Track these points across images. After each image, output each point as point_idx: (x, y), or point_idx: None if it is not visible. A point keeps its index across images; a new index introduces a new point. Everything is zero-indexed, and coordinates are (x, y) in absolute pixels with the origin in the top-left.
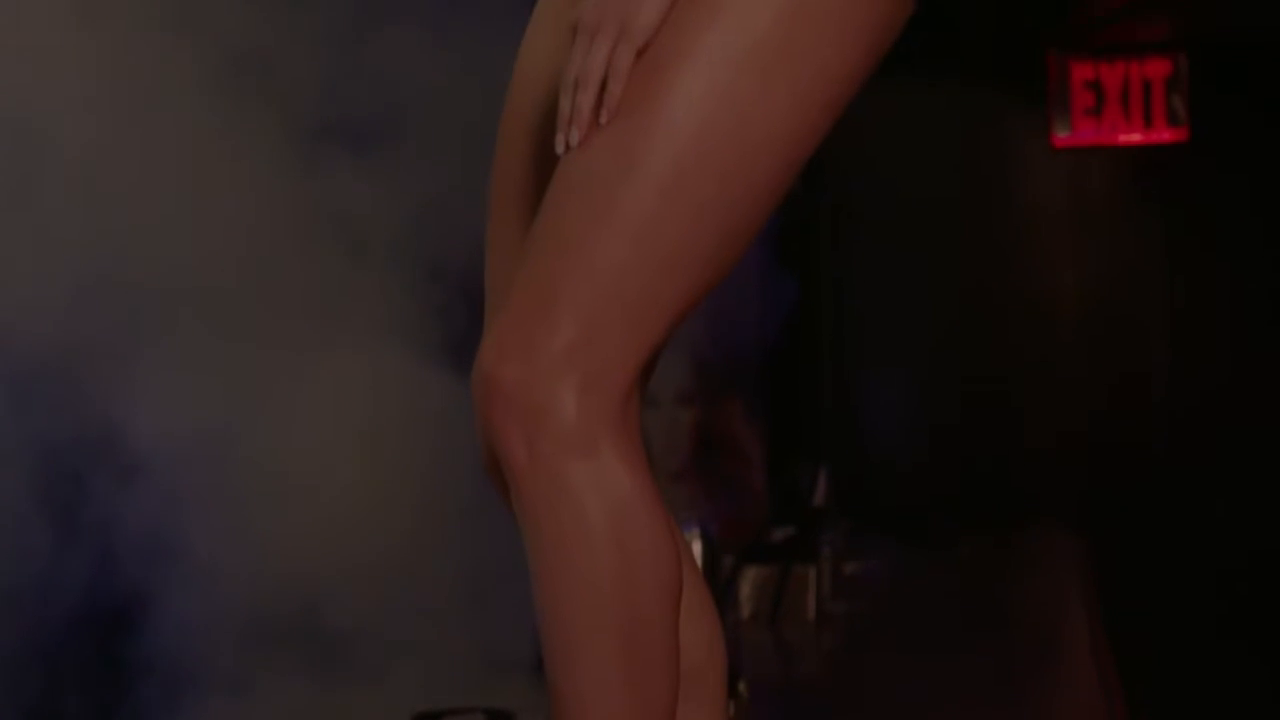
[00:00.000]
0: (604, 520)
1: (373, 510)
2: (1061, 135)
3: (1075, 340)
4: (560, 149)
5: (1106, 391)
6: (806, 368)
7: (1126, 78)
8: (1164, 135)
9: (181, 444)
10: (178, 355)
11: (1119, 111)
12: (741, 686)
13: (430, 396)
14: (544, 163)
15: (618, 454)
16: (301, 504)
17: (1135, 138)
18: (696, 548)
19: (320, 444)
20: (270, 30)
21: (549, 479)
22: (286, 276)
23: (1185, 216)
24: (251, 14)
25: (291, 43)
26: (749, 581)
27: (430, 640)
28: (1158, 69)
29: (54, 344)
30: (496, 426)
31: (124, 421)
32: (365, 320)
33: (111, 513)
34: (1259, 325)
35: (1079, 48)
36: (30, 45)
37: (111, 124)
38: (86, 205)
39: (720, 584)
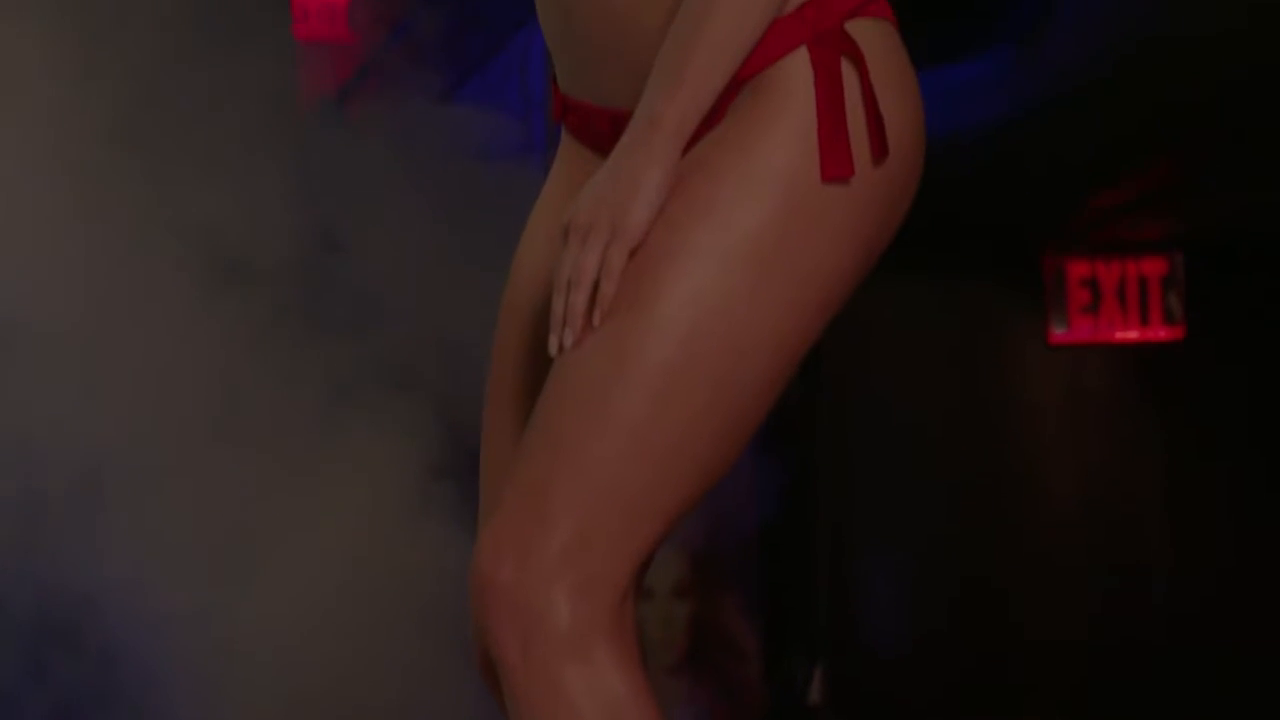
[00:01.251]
0: None
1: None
2: (1058, 332)
3: (1074, 537)
4: (554, 350)
5: (1105, 588)
6: (801, 560)
7: (1123, 276)
8: (1160, 333)
9: (155, 622)
10: (148, 530)
11: (1116, 309)
12: None
13: (409, 568)
14: (540, 360)
15: (612, 657)
16: (278, 678)
17: (1132, 335)
18: None
19: (298, 614)
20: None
21: (543, 682)
22: (259, 443)
23: (1183, 414)
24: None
25: (272, 237)
26: None
27: None
28: (1154, 267)
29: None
30: (491, 627)
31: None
32: (343, 491)
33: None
34: (1259, 523)
35: (1076, 246)
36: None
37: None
38: (80, 387)
39: None
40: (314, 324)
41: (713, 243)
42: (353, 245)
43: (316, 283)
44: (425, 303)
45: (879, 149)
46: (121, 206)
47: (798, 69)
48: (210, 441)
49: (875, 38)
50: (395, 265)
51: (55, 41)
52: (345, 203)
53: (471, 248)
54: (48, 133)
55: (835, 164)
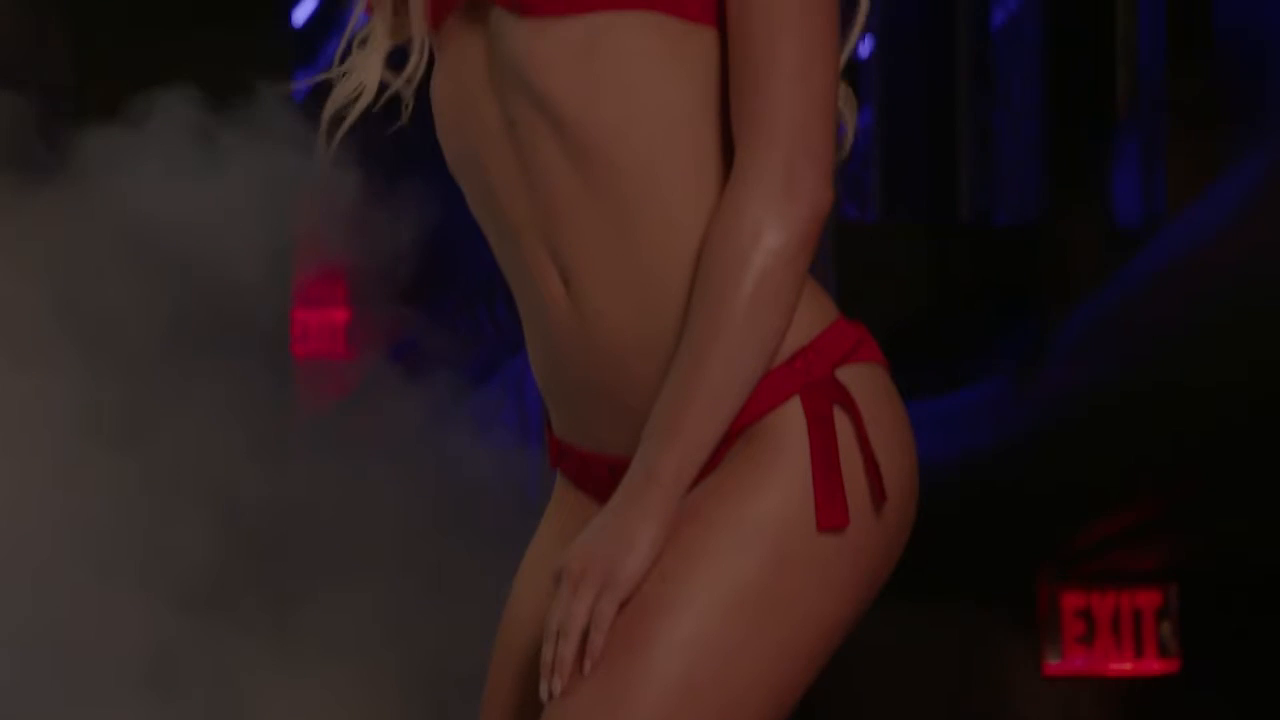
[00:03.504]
0: None
1: None
2: (1052, 663)
3: None
4: (544, 697)
5: None
6: None
7: (1117, 607)
8: (1154, 666)
9: None
10: None
11: (1110, 640)
12: None
13: None
14: (531, 703)
15: None
16: None
17: (1126, 667)
18: None
19: None
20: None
21: None
22: None
23: None
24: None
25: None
26: None
27: None
28: (1149, 599)
29: None
30: None
31: None
32: None
33: None
34: None
35: (1071, 575)
36: None
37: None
38: None
39: None
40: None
41: (706, 593)
42: (350, 571)
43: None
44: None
45: (874, 497)
46: (118, 515)
47: (791, 419)
48: None
49: (867, 384)
50: (390, 590)
51: (57, 348)
52: (339, 518)
53: (467, 572)
54: (53, 446)
55: (831, 514)
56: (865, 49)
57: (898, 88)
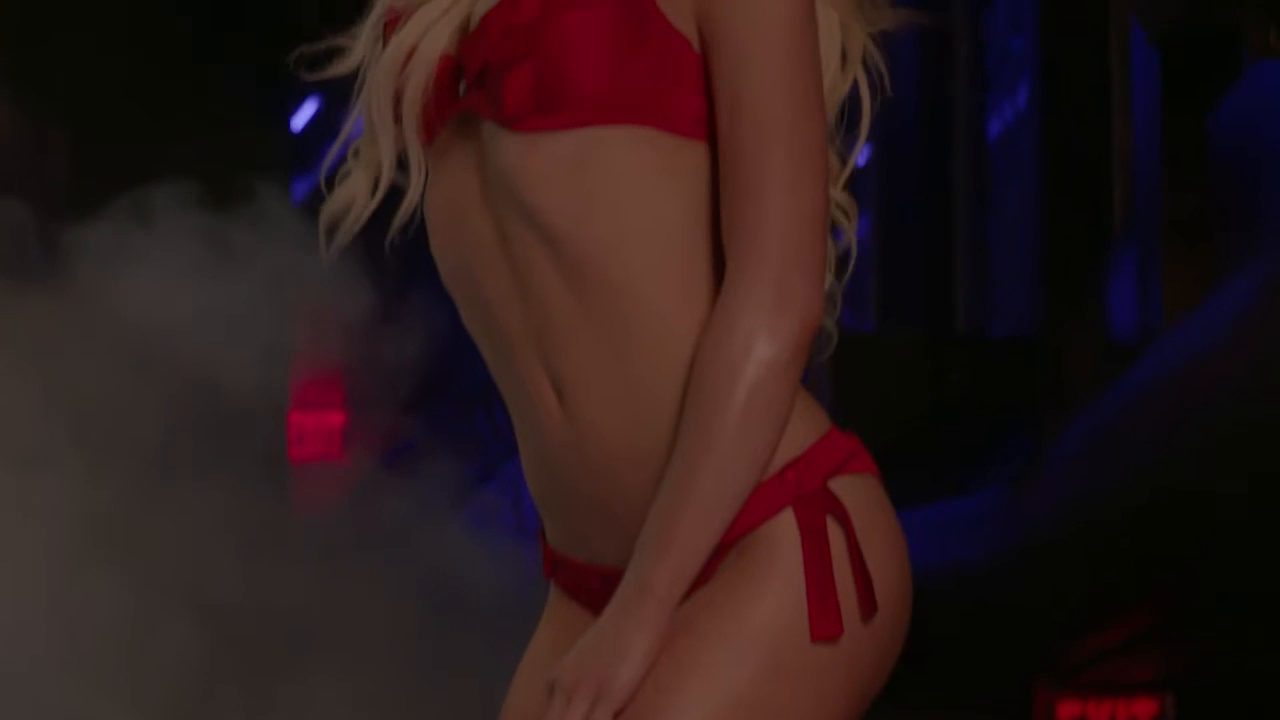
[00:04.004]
0: None
1: None
2: None
3: None
4: None
5: None
6: None
7: (1113, 716)
8: None
9: None
10: None
11: None
12: None
13: None
14: None
15: None
16: None
17: None
18: None
19: None
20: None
21: None
22: None
23: None
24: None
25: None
26: None
27: None
28: (1145, 708)
29: None
30: None
31: None
32: None
33: None
34: None
35: (1067, 684)
36: None
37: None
38: None
39: None
40: None
41: (701, 704)
42: (346, 674)
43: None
44: None
45: (868, 607)
46: (111, 619)
47: (784, 530)
48: None
49: (860, 495)
50: (386, 692)
51: (52, 450)
52: (335, 621)
53: (463, 675)
54: (47, 548)
55: (825, 625)
56: (863, 157)
57: (895, 196)
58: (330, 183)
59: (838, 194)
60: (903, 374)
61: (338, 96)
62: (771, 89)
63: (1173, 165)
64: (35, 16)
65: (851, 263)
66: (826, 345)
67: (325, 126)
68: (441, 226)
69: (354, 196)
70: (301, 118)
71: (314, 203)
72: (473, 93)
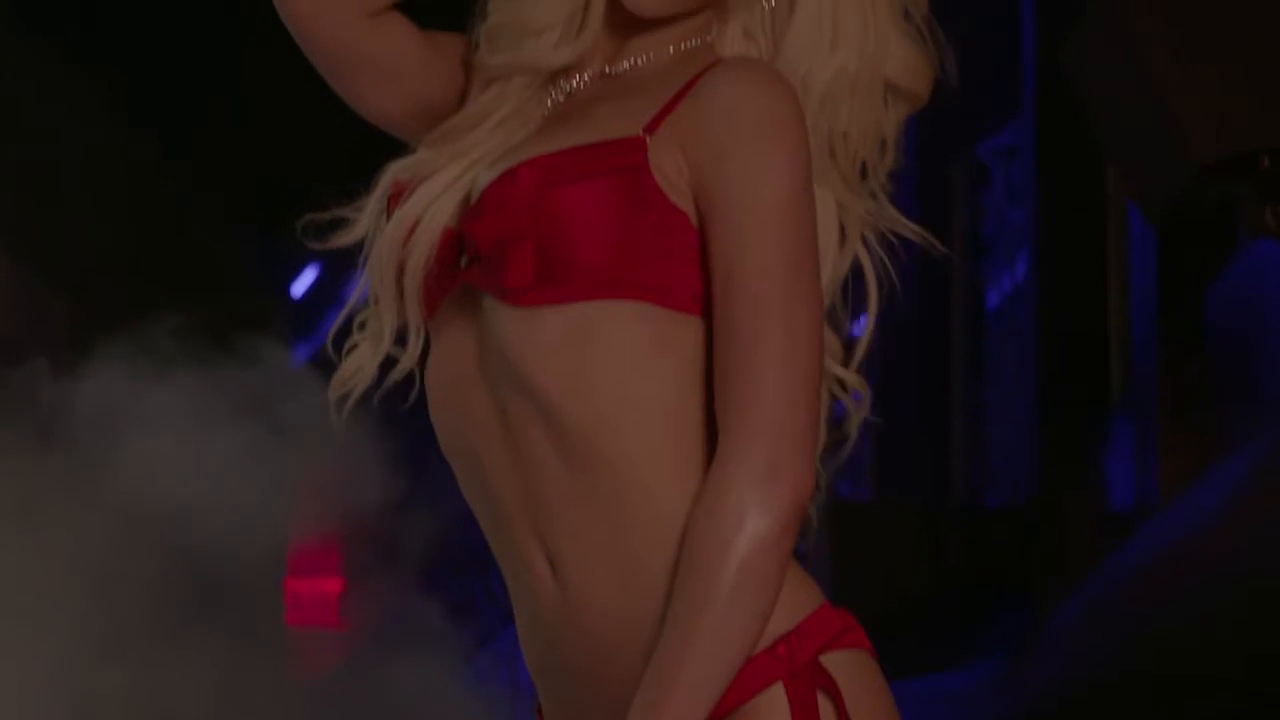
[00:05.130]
0: None
1: None
2: None
3: None
4: None
5: None
6: None
7: None
8: None
9: None
10: None
11: None
12: None
13: None
14: None
15: None
16: None
17: None
18: None
19: None
20: None
21: None
22: None
23: None
24: None
25: None
26: None
27: None
28: None
29: None
30: None
31: None
32: None
33: None
34: None
35: None
36: None
37: None
38: None
39: None
40: None
41: None
42: None
43: None
44: None
45: None
46: None
47: (775, 705)
48: None
49: (853, 670)
50: None
51: (44, 614)
52: None
53: None
54: (45, 650)
55: None
56: (859, 327)
57: (891, 365)
58: (338, 351)
59: (848, 374)
60: (900, 543)
61: (338, 264)
62: (767, 264)
63: (1170, 339)
64: (34, 182)
65: (850, 441)
66: (809, 531)
67: (325, 293)
68: (441, 397)
69: (360, 367)
70: (302, 284)
71: (313, 368)
72: (473, 266)
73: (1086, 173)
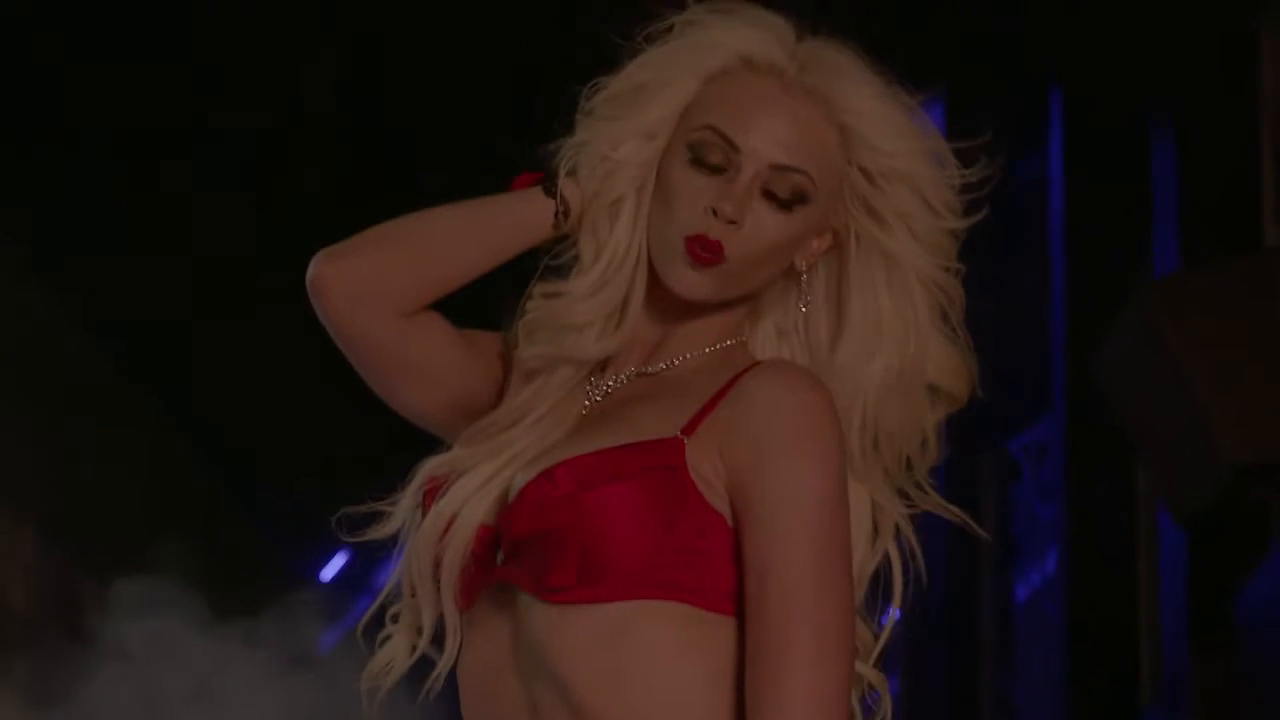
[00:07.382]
0: None
1: None
2: None
3: None
4: None
5: None
6: None
7: None
8: None
9: None
10: None
11: None
12: None
13: None
14: None
15: None
16: None
17: None
18: None
19: None
20: None
21: None
22: None
23: None
24: None
25: None
26: None
27: None
28: None
29: None
30: None
31: None
32: None
33: None
34: None
35: None
36: None
37: None
38: None
39: None
40: None
41: None
42: None
43: None
44: None
45: None
46: None
47: None
48: None
49: None
50: None
51: None
52: None
53: None
54: None
55: None
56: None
57: (921, 657)
58: (370, 641)
59: (868, 670)
60: None
61: (367, 552)
62: (800, 565)
63: (1200, 637)
64: (58, 452)
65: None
66: None
67: (354, 580)
68: (472, 690)
69: (393, 658)
70: (331, 569)
71: (341, 652)
72: (509, 563)
73: (1117, 471)
